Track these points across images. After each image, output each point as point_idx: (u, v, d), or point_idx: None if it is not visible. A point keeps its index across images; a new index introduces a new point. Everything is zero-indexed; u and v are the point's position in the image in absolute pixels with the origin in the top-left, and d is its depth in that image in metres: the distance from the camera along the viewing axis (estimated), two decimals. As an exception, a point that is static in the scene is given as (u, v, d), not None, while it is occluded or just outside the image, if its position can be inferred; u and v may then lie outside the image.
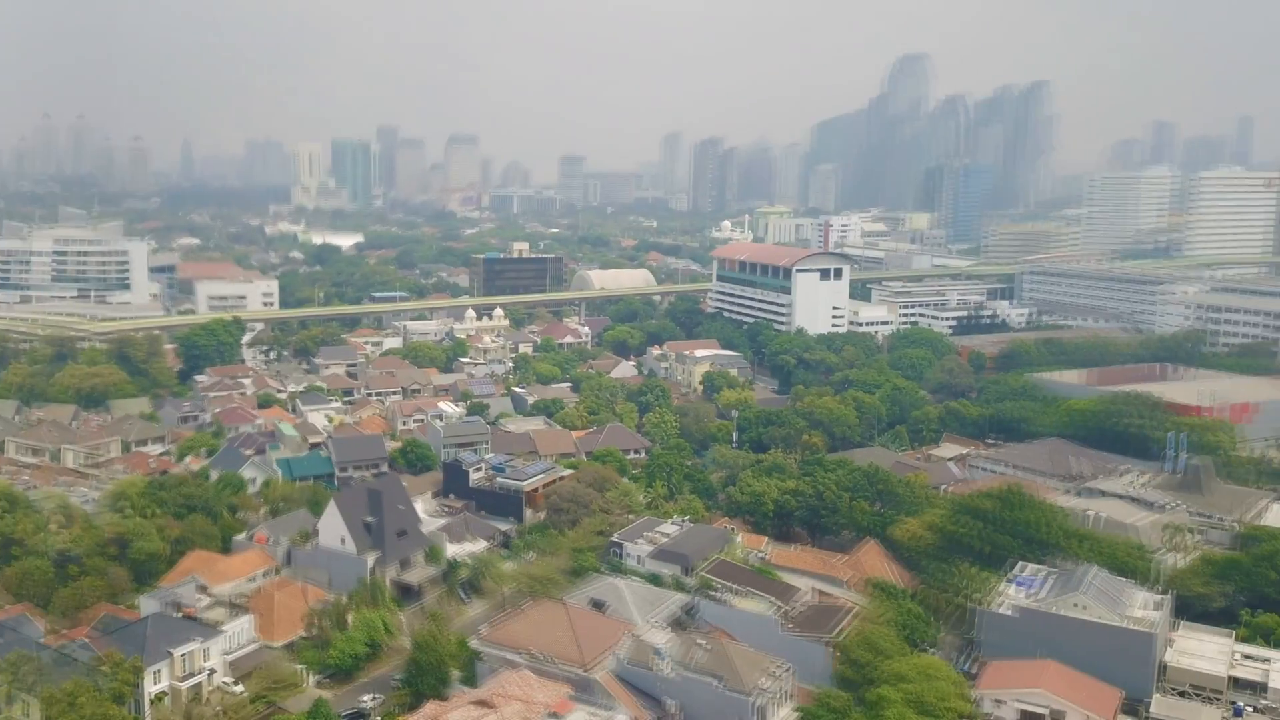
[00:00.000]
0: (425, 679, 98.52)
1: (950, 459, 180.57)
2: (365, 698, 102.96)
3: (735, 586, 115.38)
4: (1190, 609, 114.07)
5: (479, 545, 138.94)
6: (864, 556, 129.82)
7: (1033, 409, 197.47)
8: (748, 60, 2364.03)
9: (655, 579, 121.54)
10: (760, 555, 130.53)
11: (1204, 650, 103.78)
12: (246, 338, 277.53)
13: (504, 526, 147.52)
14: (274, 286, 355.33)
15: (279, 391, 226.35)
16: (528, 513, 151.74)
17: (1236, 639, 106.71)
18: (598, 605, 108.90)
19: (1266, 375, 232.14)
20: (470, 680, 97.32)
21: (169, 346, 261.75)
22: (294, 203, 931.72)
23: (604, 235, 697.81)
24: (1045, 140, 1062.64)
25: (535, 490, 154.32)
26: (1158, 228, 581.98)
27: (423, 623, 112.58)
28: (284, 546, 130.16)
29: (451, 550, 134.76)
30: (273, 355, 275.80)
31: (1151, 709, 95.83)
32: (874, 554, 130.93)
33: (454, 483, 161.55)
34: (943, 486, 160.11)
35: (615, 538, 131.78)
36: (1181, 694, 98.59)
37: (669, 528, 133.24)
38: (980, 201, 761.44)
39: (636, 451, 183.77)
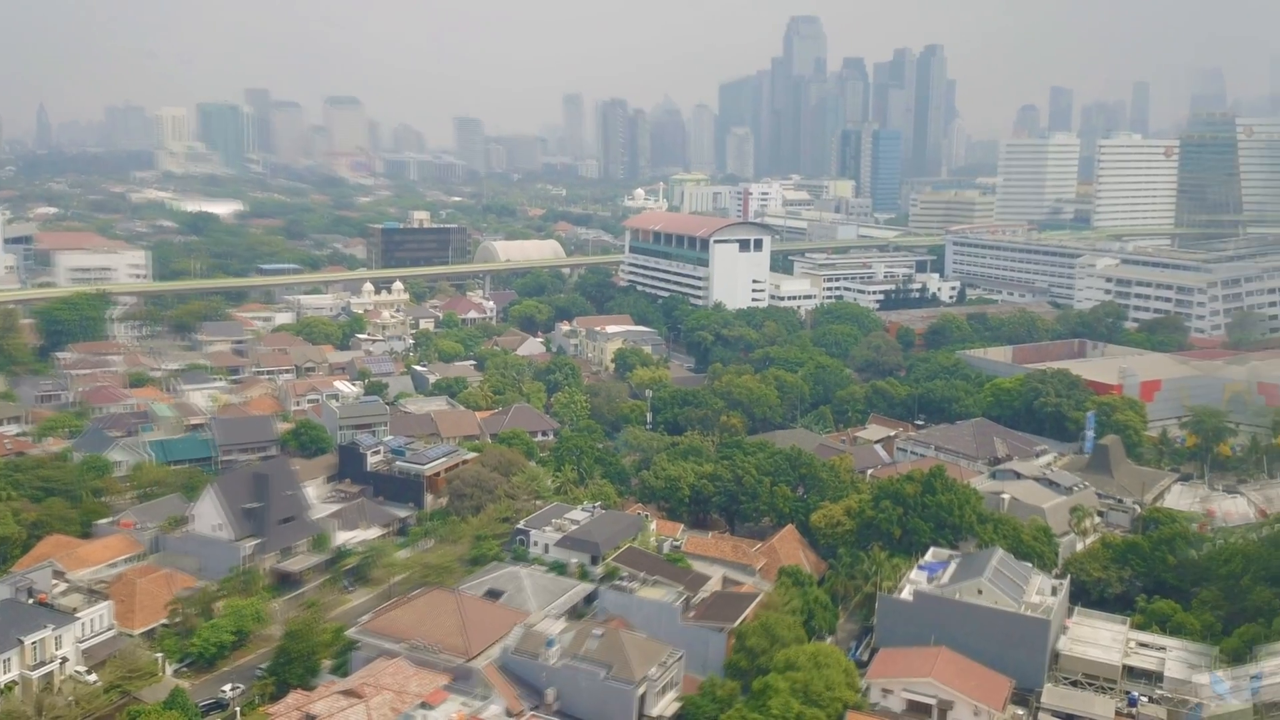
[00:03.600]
0: (293, 668, 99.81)
1: (877, 441, 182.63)
2: (226, 687, 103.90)
3: (643, 575, 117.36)
4: (1088, 594, 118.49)
5: (373, 532, 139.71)
6: (780, 544, 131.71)
7: (961, 388, 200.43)
8: (641, 20, 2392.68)
9: (560, 568, 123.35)
10: (674, 543, 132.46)
11: (1098, 638, 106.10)
12: (115, 312, 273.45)
13: (403, 513, 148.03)
14: (144, 258, 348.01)
15: (153, 370, 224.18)
16: (429, 498, 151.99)
17: (1131, 626, 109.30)
18: (494, 595, 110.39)
19: (1174, 351, 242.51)
20: (343, 670, 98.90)
21: (25, 321, 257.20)
22: (160, 168, 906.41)
23: (510, 204, 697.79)
24: (949, 105, 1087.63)
25: (436, 474, 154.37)
26: (1067, 197, 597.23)
27: (298, 611, 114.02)
28: (152, 533, 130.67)
29: (343, 537, 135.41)
30: (146, 331, 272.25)
31: (1042, 699, 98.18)
32: (790, 541, 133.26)
33: (350, 466, 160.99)
34: (868, 470, 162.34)
35: (521, 525, 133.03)
36: (1074, 683, 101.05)
37: (578, 514, 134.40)
38: (898, 168, 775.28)
39: (544, 433, 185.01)
